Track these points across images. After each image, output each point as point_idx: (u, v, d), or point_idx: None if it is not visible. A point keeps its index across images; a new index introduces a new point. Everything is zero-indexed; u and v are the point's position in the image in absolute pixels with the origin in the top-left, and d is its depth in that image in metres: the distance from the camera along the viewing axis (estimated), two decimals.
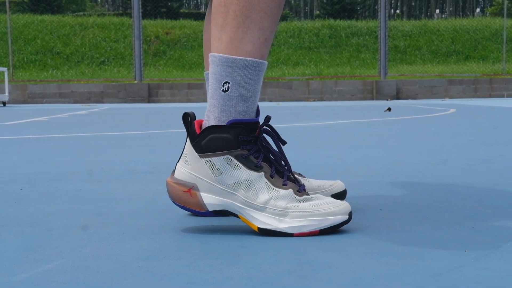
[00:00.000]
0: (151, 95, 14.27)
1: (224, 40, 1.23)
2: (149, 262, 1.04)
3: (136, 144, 3.53)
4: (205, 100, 13.30)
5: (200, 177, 1.24)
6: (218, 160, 1.24)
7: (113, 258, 1.07)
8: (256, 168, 1.25)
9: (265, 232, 1.23)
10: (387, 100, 13.95)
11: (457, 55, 21.24)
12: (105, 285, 0.92)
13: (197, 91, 14.35)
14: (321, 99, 14.52)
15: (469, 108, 8.36)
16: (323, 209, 1.23)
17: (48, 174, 2.18)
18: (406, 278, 0.93)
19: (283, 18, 33.18)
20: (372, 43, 21.55)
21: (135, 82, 14.64)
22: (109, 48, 21.02)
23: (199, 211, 1.25)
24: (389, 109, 7.75)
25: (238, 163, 1.24)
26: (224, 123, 1.24)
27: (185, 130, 4.29)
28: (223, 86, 1.23)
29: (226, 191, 1.24)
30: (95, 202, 1.62)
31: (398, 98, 14.49)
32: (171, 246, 1.15)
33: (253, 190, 1.24)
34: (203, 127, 1.26)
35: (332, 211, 1.23)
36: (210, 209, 1.25)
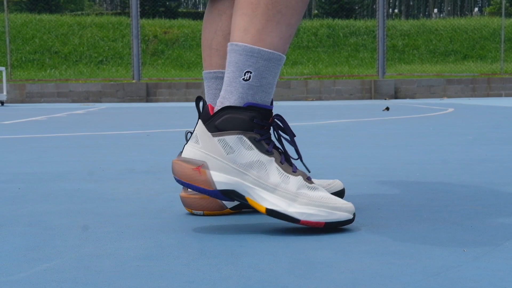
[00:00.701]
0: (149, 95, 14.26)
1: (251, 31, 1.24)
2: (147, 262, 1.04)
3: (134, 143, 3.52)
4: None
5: (212, 155, 1.24)
6: (231, 139, 1.24)
7: (111, 257, 1.07)
8: (267, 153, 1.26)
9: (271, 214, 1.23)
10: (385, 99, 13.96)
11: (455, 55, 21.25)
12: (103, 284, 0.92)
13: (195, 90, 14.34)
14: (319, 99, 14.52)
15: (467, 107, 8.36)
16: (332, 202, 1.24)
17: (46, 174, 2.18)
18: (404, 277, 0.93)
19: None
20: (370, 43, 21.56)
21: (133, 81, 14.63)
22: (107, 47, 21.00)
23: (206, 189, 1.23)
24: (387, 109, 7.75)
25: (251, 144, 1.25)
26: (237, 105, 1.25)
27: (183, 134, 4.29)
28: (245, 75, 1.24)
29: (237, 170, 1.24)
30: (93, 202, 1.62)
31: (396, 97, 14.50)
32: (169, 245, 1.15)
33: (264, 171, 1.25)
34: (215, 110, 1.26)
35: (340, 206, 1.24)
36: (219, 187, 1.23)
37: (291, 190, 1.24)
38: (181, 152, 1.29)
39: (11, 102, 13.86)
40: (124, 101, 14.09)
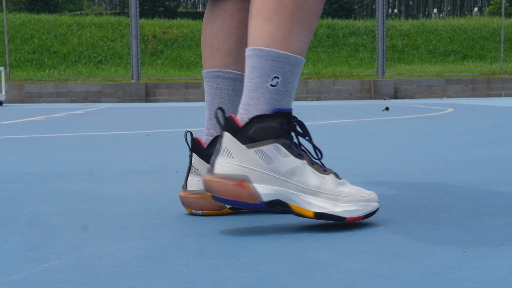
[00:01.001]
0: (148, 95, 14.26)
1: (277, 36, 1.24)
2: (147, 262, 1.04)
3: (134, 143, 3.52)
4: (202, 100, 13.28)
5: (251, 167, 1.22)
6: (268, 149, 1.23)
7: (110, 257, 1.07)
8: (299, 156, 1.27)
9: (320, 217, 1.24)
10: (385, 99, 13.96)
11: (455, 55, 21.24)
12: (102, 284, 0.92)
13: (194, 90, 14.34)
14: (319, 99, 14.52)
15: (467, 107, 8.37)
16: (365, 195, 1.28)
17: (45, 174, 2.18)
18: (404, 277, 0.93)
19: None
20: (370, 43, 21.56)
21: (133, 81, 14.62)
22: (106, 47, 20.99)
23: (252, 203, 1.22)
24: (387, 109, 7.75)
25: (286, 151, 1.25)
26: (266, 113, 1.25)
27: (182, 134, 4.29)
28: (272, 80, 1.24)
29: (279, 179, 1.24)
30: (93, 202, 1.62)
31: (396, 97, 14.50)
32: (168, 245, 1.15)
33: (303, 176, 1.25)
34: (241, 120, 1.24)
35: (371, 197, 1.29)
36: (265, 199, 1.22)
37: (331, 190, 1.27)
38: (211, 169, 1.24)
39: (10, 102, 13.85)
40: (123, 101, 14.08)
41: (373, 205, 1.29)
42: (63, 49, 20.79)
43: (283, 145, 1.25)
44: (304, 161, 1.27)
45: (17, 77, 16.55)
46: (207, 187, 1.23)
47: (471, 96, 14.63)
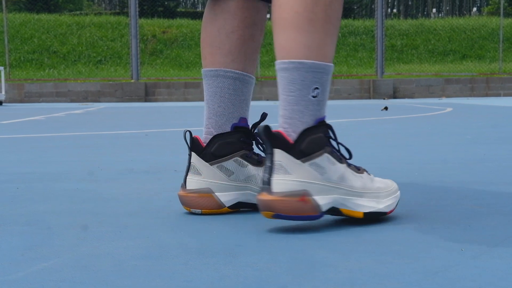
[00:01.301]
0: (148, 94, 14.26)
1: (314, 47, 1.25)
2: (145, 261, 1.04)
3: (133, 143, 3.52)
4: (202, 99, 13.27)
5: (310, 181, 1.23)
6: (320, 160, 1.25)
7: (109, 257, 1.07)
8: (341, 161, 1.30)
9: (368, 216, 1.29)
10: (384, 99, 13.96)
11: (454, 54, 21.24)
12: (101, 283, 0.92)
13: (194, 90, 14.34)
14: None
15: (466, 107, 8.37)
16: (393, 186, 1.37)
17: (45, 174, 2.18)
18: (402, 277, 0.93)
19: None
20: (369, 42, 21.56)
21: (132, 81, 14.62)
22: (106, 47, 20.99)
23: (314, 215, 1.24)
24: (386, 108, 7.75)
25: (333, 159, 1.28)
26: (312, 124, 1.26)
27: (182, 133, 4.28)
28: (313, 91, 1.26)
29: (333, 187, 1.26)
30: (92, 201, 1.62)
31: (395, 97, 14.50)
32: (167, 245, 1.15)
33: (350, 180, 1.29)
34: (288, 135, 1.25)
35: (396, 187, 1.38)
36: (324, 209, 1.25)
37: (372, 188, 1.32)
38: (267, 188, 1.24)
39: (9, 102, 13.85)
40: (122, 101, 14.08)
41: (398, 194, 1.37)
42: (62, 49, 20.79)
43: (330, 153, 1.28)
44: (345, 165, 1.30)
45: (16, 76, 16.54)
46: (268, 206, 1.22)
47: (470, 95, 14.63)
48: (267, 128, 1.23)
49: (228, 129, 1.45)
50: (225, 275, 0.95)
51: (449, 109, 7.54)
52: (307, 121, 1.25)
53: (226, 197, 1.42)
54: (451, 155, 2.61)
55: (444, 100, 12.54)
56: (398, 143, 3.28)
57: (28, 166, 2.40)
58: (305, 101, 1.25)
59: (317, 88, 1.26)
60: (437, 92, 14.63)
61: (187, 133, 1.43)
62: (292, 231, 1.24)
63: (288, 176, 1.22)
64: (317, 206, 1.23)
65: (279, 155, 1.23)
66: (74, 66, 19.86)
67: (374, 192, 1.32)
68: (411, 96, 14.55)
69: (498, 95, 14.75)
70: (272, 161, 1.23)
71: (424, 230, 1.24)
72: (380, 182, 1.36)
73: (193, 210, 1.42)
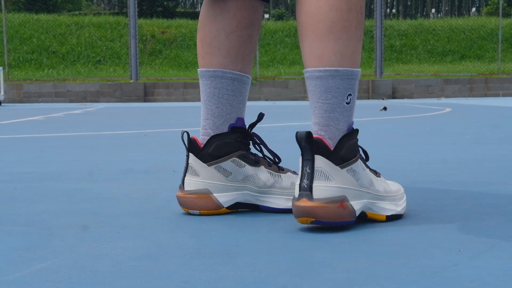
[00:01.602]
0: (147, 94, 14.25)
1: (347, 55, 1.27)
2: (144, 261, 1.04)
3: (132, 143, 3.52)
4: (200, 99, 13.27)
5: (348, 187, 1.25)
6: (356, 166, 1.28)
7: (107, 257, 1.07)
8: (366, 165, 1.32)
9: (390, 219, 1.32)
10: (383, 99, 13.96)
11: (453, 55, 21.25)
12: (99, 284, 0.92)
13: (193, 90, 14.33)
14: None
15: (465, 107, 8.37)
16: (402, 189, 1.41)
17: (43, 174, 2.18)
18: (401, 277, 0.93)
19: (279, 17, 33.14)
20: (368, 43, 21.56)
21: (131, 81, 14.62)
22: (105, 47, 20.98)
23: (350, 220, 1.25)
24: (385, 108, 7.75)
25: (363, 164, 1.31)
26: (346, 131, 1.28)
27: (180, 134, 4.27)
28: (347, 98, 1.28)
29: (365, 192, 1.29)
30: (90, 202, 1.62)
31: (394, 97, 14.50)
32: (165, 245, 1.15)
33: (374, 184, 1.32)
34: (328, 141, 1.26)
35: (403, 189, 1.42)
36: (357, 214, 1.27)
37: (391, 191, 1.36)
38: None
39: (8, 102, 13.84)
40: (121, 101, 14.08)
41: (405, 196, 1.41)
42: (61, 49, 20.78)
43: (361, 158, 1.31)
44: (367, 169, 1.32)
45: (15, 77, 16.53)
46: (308, 213, 1.23)
47: (469, 96, 14.64)
48: (309, 134, 1.23)
49: (225, 129, 1.45)
50: (223, 276, 0.95)
51: (448, 109, 7.54)
52: (342, 128, 1.27)
53: (224, 198, 1.41)
54: (450, 155, 2.61)
55: (443, 100, 12.55)
56: (397, 143, 3.28)
57: (27, 166, 2.39)
58: (340, 108, 1.27)
59: (350, 94, 1.28)
60: (436, 92, 14.63)
61: (185, 134, 1.43)
62: (290, 232, 1.24)
63: (329, 182, 1.24)
64: (353, 211, 1.25)
65: (321, 162, 1.24)
66: (73, 66, 19.85)
67: (393, 195, 1.35)
68: (410, 96, 14.55)
69: (497, 95, 14.76)
70: (312, 167, 1.24)
71: (422, 230, 1.24)
72: (392, 185, 1.40)
73: (191, 211, 1.42)
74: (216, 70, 1.46)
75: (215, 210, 1.42)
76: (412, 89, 14.63)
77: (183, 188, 1.43)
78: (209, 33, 1.47)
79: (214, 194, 1.41)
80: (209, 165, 1.42)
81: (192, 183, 1.43)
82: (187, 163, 1.43)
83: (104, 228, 1.30)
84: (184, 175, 1.43)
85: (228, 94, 1.46)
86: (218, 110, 1.45)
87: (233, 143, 1.44)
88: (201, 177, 1.42)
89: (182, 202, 1.43)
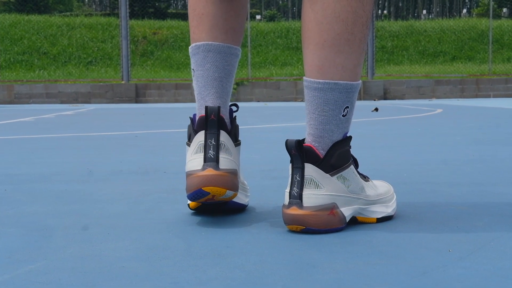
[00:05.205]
0: (138, 95, 14.22)
1: (348, 68, 1.26)
2: (133, 263, 1.03)
3: (123, 144, 3.52)
4: (192, 100, 13.25)
5: (337, 194, 1.25)
6: (347, 173, 1.28)
7: (97, 258, 1.06)
8: (359, 173, 1.33)
9: (380, 221, 1.33)
10: (375, 100, 13.99)
11: (444, 56, 21.31)
12: (88, 285, 0.91)
13: (184, 91, 14.31)
14: None
15: (456, 108, 8.40)
16: (391, 190, 1.42)
17: (33, 175, 2.17)
18: (390, 277, 0.93)
19: (271, 18, 33.16)
20: None
21: (123, 82, 14.58)
22: (96, 48, 20.93)
23: (340, 227, 1.24)
24: (376, 109, 7.77)
25: (355, 170, 1.31)
26: (340, 139, 1.28)
27: (172, 135, 4.27)
28: (344, 111, 1.27)
29: (355, 198, 1.29)
30: (80, 203, 1.61)
31: (385, 98, 14.53)
32: (155, 246, 1.15)
33: (365, 190, 1.32)
34: (319, 151, 1.26)
35: (392, 189, 1.43)
36: (347, 220, 1.26)
37: (381, 193, 1.37)
38: (290, 204, 1.22)
39: None
40: (113, 102, 14.04)
41: (395, 196, 1.42)
42: (53, 50, 20.71)
43: (353, 164, 1.31)
44: (358, 174, 1.32)
45: (6, 78, 16.46)
46: (298, 221, 1.22)
47: (460, 97, 14.69)
48: (299, 142, 1.23)
49: (227, 111, 1.38)
50: (213, 277, 0.95)
51: (439, 110, 7.56)
52: (337, 139, 1.27)
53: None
54: (441, 156, 2.61)
55: (434, 101, 12.58)
56: (388, 144, 3.29)
57: (16, 168, 2.38)
58: (336, 120, 1.27)
59: (347, 107, 1.27)
60: (428, 93, 14.67)
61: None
62: (279, 233, 1.24)
63: (319, 190, 1.24)
64: (343, 218, 1.25)
65: (310, 170, 1.24)
66: (64, 67, 19.78)
67: (383, 198, 1.36)
68: (401, 97, 14.59)
69: (488, 96, 14.81)
70: (302, 175, 1.24)
71: (411, 231, 1.24)
72: (382, 187, 1.40)
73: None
74: (232, 46, 1.38)
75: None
76: (403, 90, 14.67)
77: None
78: (217, 12, 1.38)
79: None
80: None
81: (227, 162, 1.31)
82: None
83: (94, 230, 1.29)
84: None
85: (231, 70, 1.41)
86: (229, 90, 1.39)
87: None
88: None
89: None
